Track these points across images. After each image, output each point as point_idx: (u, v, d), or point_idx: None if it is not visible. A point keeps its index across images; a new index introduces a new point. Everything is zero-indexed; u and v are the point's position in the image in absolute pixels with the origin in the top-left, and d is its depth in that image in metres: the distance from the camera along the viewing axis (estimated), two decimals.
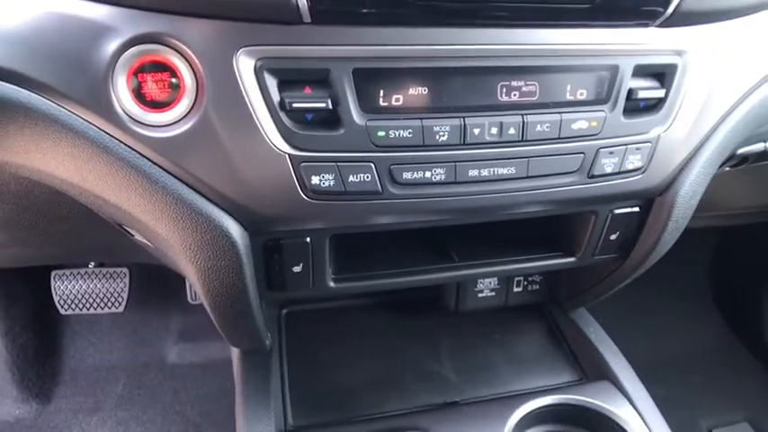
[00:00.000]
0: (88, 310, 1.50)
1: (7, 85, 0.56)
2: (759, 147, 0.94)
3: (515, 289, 0.99)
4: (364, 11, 0.55)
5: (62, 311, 1.51)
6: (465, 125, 0.61)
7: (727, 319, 1.76)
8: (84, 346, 1.57)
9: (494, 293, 0.98)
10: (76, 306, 1.50)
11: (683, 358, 1.64)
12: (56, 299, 1.49)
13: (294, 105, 0.57)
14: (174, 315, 1.59)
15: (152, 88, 0.56)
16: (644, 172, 0.70)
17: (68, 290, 1.50)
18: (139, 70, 0.56)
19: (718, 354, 1.69)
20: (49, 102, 0.56)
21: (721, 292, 1.78)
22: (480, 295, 0.97)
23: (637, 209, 0.77)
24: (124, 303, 1.52)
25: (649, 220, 0.78)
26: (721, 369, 1.64)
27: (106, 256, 1.31)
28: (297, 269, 0.68)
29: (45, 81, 0.56)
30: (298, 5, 0.53)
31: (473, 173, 0.63)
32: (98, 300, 1.50)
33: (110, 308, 1.51)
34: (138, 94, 0.56)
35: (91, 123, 0.57)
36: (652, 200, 0.76)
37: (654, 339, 1.64)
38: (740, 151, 0.89)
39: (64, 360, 1.56)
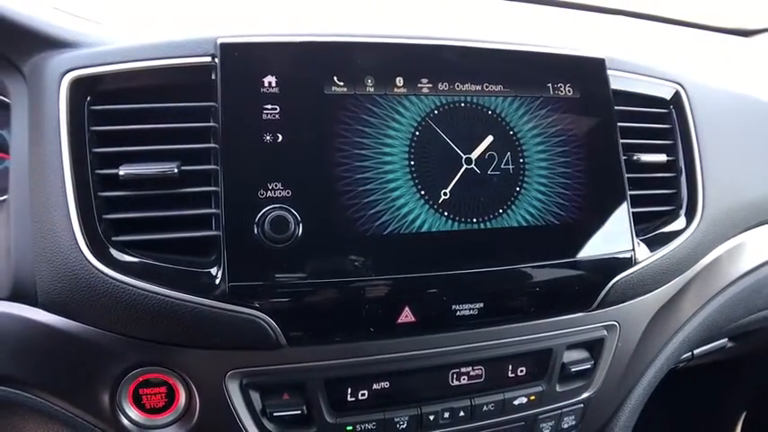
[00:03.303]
0: None
1: (22, 393, 0.65)
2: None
3: None
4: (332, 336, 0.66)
5: None
6: (422, 413, 0.71)
7: None
8: None
9: None
10: None
11: None
12: None
13: (275, 414, 0.66)
14: None
15: (151, 399, 0.65)
16: (578, 428, 0.81)
17: None
18: (140, 385, 0.65)
19: None
20: (58, 409, 0.65)
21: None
22: None
23: None
24: None
25: None
26: None
27: None
28: None
29: (57, 391, 0.65)
30: (277, 338, 0.63)
31: None
32: None
33: None
34: (139, 404, 0.66)
35: (96, 426, 0.66)
36: None
37: None
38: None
39: None
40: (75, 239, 0.60)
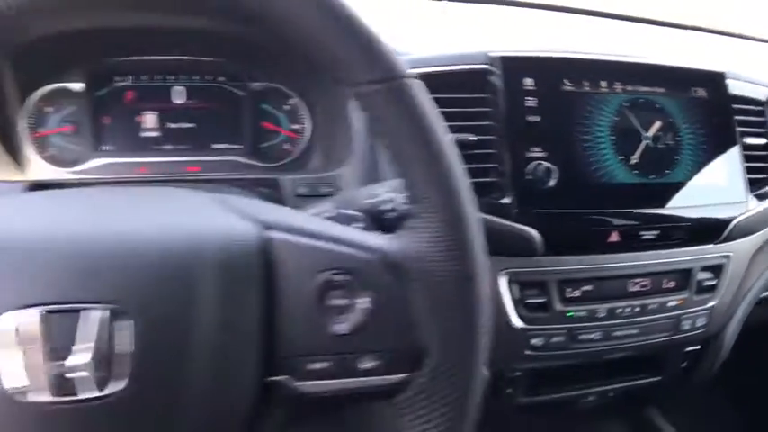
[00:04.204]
0: None
1: None
2: None
3: None
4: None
5: None
6: (613, 307, 1.06)
7: None
8: None
9: None
10: None
11: None
12: None
13: (526, 302, 1.00)
14: None
15: None
16: (706, 327, 1.16)
17: None
18: None
19: None
20: None
21: None
22: None
23: (699, 347, 1.22)
24: None
25: (709, 350, 1.23)
26: None
27: None
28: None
29: None
30: (538, 248, 0.97)
31: (616, 333, 1.07)
32: None
33: None
34: None
35: None
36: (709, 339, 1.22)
37: None
38: None
39: None
40: None
